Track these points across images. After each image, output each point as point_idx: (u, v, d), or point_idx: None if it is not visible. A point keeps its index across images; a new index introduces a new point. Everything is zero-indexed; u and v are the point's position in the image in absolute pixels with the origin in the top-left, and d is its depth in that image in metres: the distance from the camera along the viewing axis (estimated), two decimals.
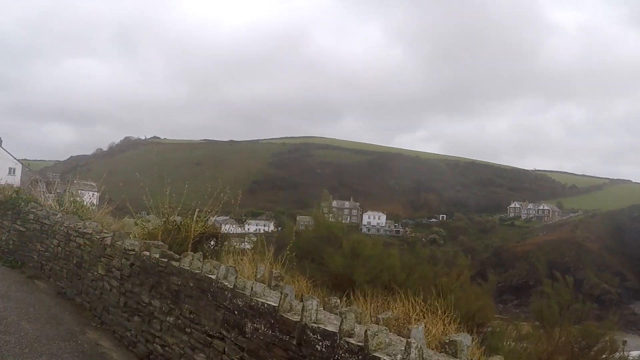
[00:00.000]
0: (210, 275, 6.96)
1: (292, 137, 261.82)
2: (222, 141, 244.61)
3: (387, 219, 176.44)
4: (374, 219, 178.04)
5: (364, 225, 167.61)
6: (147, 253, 9.06)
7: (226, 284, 6.52)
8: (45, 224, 14.67)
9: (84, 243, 11.93)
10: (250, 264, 9.41)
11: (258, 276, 7.38)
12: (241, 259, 10.72)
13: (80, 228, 12.38)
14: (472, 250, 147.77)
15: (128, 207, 15.15)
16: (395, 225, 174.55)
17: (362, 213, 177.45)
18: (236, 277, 6.36)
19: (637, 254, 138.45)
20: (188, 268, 7.54)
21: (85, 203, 16.34)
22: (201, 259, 8.41)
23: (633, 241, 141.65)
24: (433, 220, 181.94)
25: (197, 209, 11.67)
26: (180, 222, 11.29)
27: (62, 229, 13.41)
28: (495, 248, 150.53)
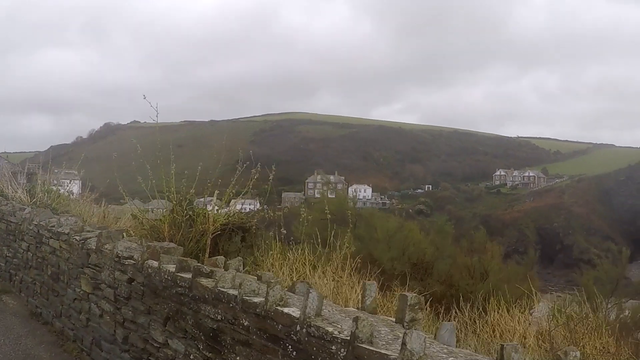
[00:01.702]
0: (285, 310, 3.91)
1: (273, 114, 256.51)
2: (202, 122, 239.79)
3: (372, 191, 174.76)
4: (360, 192, 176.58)
5: (350, 199, 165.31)
6: (155, 263, 6.00)
7: (330, 330, 3.46)
8: (12, 222, 11.56)
9: (60, 247, 8.82)
10: (318, 273, 6.39)
11: (367, 302, 4.33)
12: (284, 262, 7.74)
13: (53, 226, 9.25)
14: (459, 220, 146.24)
15: (121, 193, 12.20)
16: (381, 198, 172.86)
17: (348, 187, 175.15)
18: (358, 320, 3.27)
19: (626, 218, 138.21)
20: (235, 293, 4.49)
21: (61, 192, 13.15)
22: (241, 269, 5.44)
23: (621, 205, 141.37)
24: (419, 190, 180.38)
25: (217, 191, 8.70)
26: (195, 211, 8.28)
27: (31, 228, 10.28)
28: (483, 216, 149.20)
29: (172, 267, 5.65)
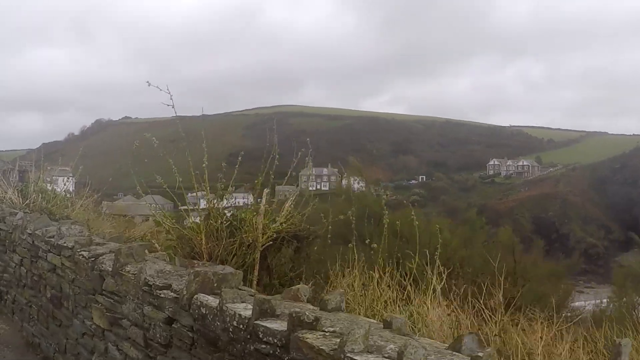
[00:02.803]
0: None
1: (264, 108, 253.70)
2: (194, 116, 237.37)
3: (366, 183, 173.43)
4: (354, 184, 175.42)
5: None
6: (210, 300, 4.11)
7: None
8: (1, 229, 9.62)
9: (62, 264, 6.90)
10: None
11: None
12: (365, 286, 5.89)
13: (52, 237, 7.33)
14: (454, 210, 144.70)
15: (112, 189, 10.28)
16: (375, 189, 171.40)
17: (342, 179, 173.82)
18: None
19: (621, 206, 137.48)
20: None
21: (58, 191, 11.23)
22: (343, 307, 3.59)
23: (616, 193, 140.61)
24: (412, 182, 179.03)
25: (266, 190, 6.87)
26: (237, 216, 6.43)
27: (24, 237, 8.35)
28: (478, 206, 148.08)
29: (243, 309, 3.77)
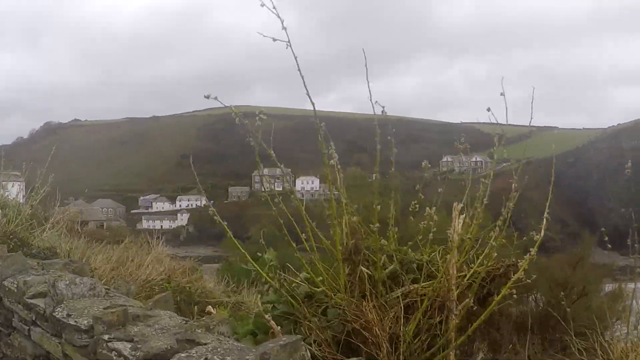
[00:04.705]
0: None
1: (216, 108, 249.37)
2: (145, 118, 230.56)
3: (320, 182, 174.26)
4: (308, 184, 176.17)
5: (298, 191, 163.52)
6: None
7: None
8: None
9: (64, 353, 3.69)
10: None
11: None
12: None
13: (37, 300, 4.10)
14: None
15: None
16: (329, 189, 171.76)
17: (295, 179, 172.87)
18: None
19: (575, 200, 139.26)
20: None
21: (38, 212, 7.86)
22: None
23: (570, 187, 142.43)
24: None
25: (459, 204, 3.99)
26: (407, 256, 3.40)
27: None
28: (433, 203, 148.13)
29: None
